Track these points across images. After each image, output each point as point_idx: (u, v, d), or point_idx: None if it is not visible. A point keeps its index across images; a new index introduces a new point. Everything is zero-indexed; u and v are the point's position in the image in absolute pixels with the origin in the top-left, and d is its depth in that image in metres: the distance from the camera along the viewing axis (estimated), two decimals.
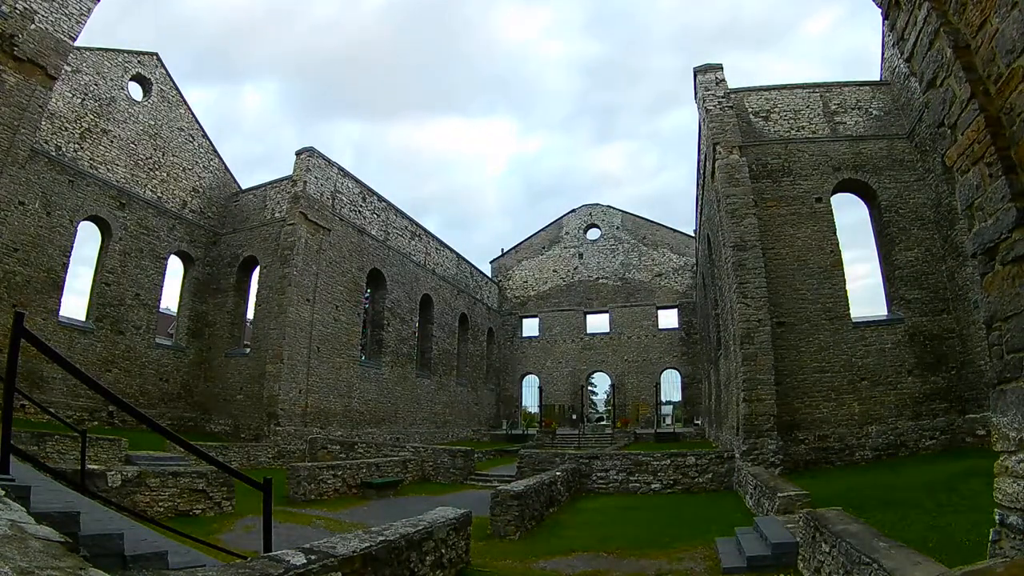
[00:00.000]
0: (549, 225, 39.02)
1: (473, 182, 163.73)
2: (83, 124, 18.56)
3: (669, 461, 13.61)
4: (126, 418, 17.17)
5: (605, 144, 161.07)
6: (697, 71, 16.47)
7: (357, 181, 24.16)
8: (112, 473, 8.96)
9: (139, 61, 20.97)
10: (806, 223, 14.53)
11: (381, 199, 25.92)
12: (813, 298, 13.91)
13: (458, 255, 33.11)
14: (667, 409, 34.32)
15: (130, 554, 3.33)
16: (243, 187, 24.88)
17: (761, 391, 12.83)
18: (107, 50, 19.79)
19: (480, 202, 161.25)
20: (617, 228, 37.13)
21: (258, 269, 22.69)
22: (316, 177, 21.61)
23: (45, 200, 16.90)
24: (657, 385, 33.44)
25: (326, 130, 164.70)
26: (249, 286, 23.50)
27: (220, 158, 24.42)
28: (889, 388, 13.14)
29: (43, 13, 11.26)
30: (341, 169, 23.21)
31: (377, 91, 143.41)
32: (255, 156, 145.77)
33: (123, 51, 20.48)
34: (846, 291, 14.02)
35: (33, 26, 11.02)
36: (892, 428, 12.83)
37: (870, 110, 15.41)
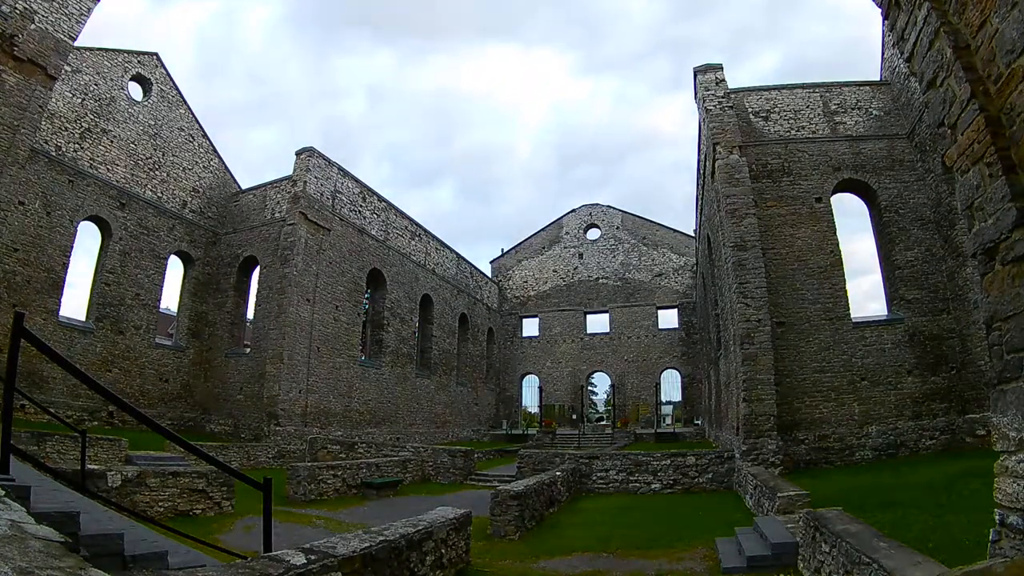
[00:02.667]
0: (549, 225, 39.03)
1: (505, 139, 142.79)
2: (83, 124, 18.56)
3: (669, 461, 13.61)
4: (126, 418, 17.17)
5: (672, 92, 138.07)
6: (697, 71, 16.47)
7: (357, 181, 24.18)
8: (112, 473, 8.96)
9: (139, 61, 20.97)
10: (806, 223, 14.53)
11: (381, 199, 25.93)
12: (813, 298, 13.91)
13: (458, 255, 33.12)
14: (667, 409, 34.31)
15: (130, 554, 3.33)
16: (243, 186, 24.89)
17: (761, 391, 12.83)
18: (107, 50, 19.79)
19: (508, 165, 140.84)
20: (617, 228, 37.13)
21: (258, 269, 22.69)
22: (316, 177, 21.61)
23: (45, 200, 16.90)
24: (657, 385, 33.44)
25: (345, 66, 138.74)
26: (249, 286, 23.51)
27: (220, 158, 24.43)
28: (889, 388, 13.14)
29: (43, 13, 11.25)
30: (341, 169, 23.22)
31: (416, 5, 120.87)
32: (252, 103, 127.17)
33: (123, 51, 20.48)
34: (846, 291, 14.02)
35: (33, 26, 11.01)
36: (892, 428, 12.83)
37: (870, 110, 15.41)
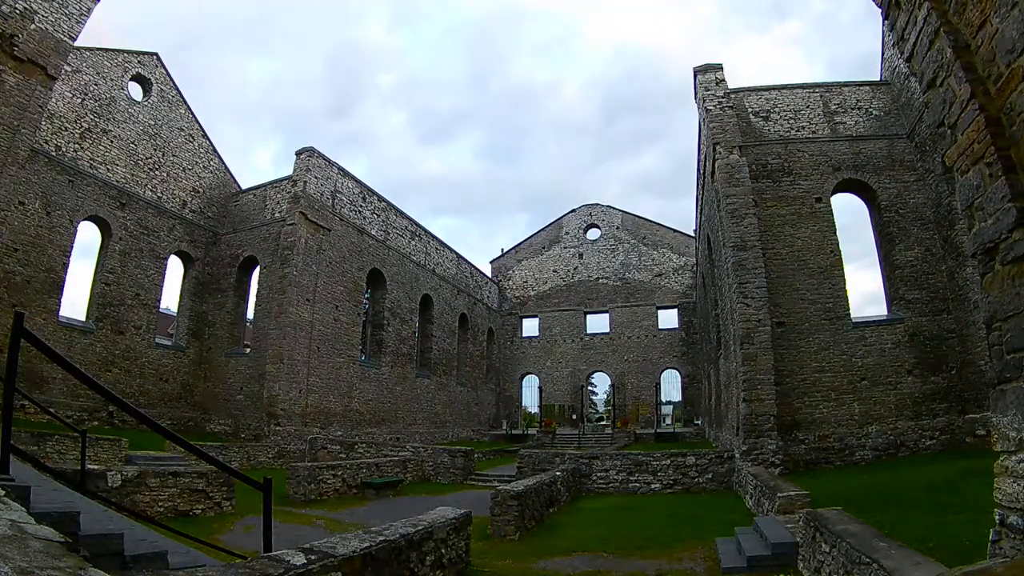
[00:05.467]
0: (549, 225, 39.08)
1: (554, 76, 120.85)
2: (83, 124, 18.56)
3: (669, 461, 13.61)
4: (126, 418, 17.17)
5: (766, 26, 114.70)
6: (697, 71, 16.47)
7: (357, 181, 24.19)
8: (112, 473, 8.96)
9: (139, 61, 20.97)
10: (806, 223, 14.52)
11: (381, 199, 25.94)
12: (813, 298, 13.90)
13: (458, 255, 33.14)
14: (667, 409, 34.33)
15: (130, 554, 3.33)
16: (243, 186, 24.92)
17: (761, 391, 12.83)
18: (107, 50, 19.80)
19: (546, 112, 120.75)
20: (617, 228, 37.14)
21: (258, 269, 22.70)
22: (316, 177, 21.62)
23: (45, 200, 16.90)
24: (657, 385, 33.44)
25: None
26: (249, 286, 23.51)
27: (220, 158, 24.44)
28: (889, 388, 13.14)
29: (43, 13, 11.25)
30: (341, 169, 23.23)
31: None
32: (244, 20, 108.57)
33: (123, 51, 20.49)
34: (846, 291, 14.02)
35: (33, 26, 11.01)
36: (892, 428, 12.83)
37: (870, 110, 15.40)
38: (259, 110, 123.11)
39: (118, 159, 19.77)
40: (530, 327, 37.84)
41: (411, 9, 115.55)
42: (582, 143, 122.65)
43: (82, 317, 18.71)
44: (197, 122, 23.40)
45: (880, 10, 3.47)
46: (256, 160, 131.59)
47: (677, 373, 33.64)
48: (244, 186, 24.98)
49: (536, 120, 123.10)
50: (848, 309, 13.89)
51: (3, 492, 2.57)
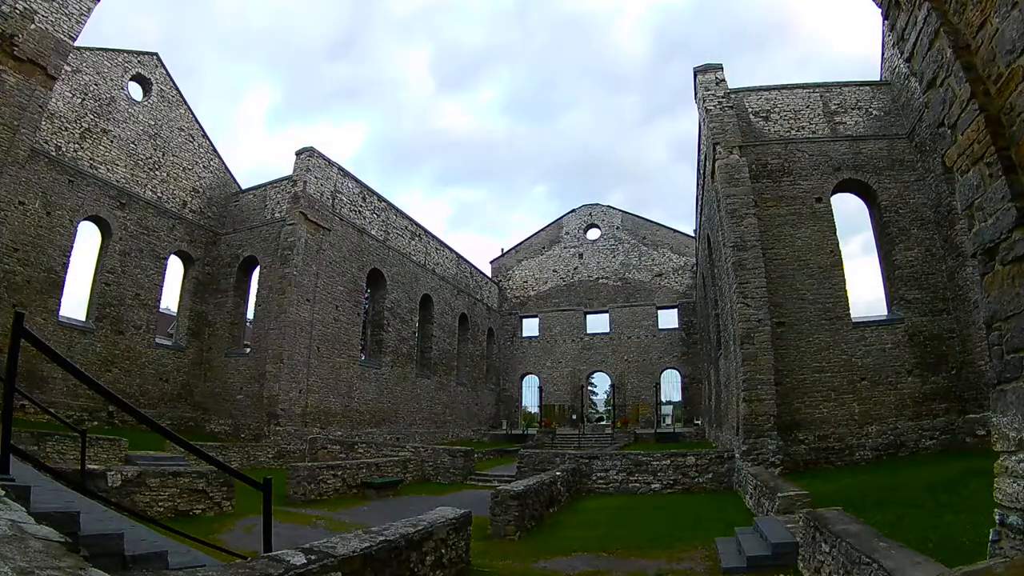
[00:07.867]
0: (549, 225, 39.10)
1: (608, 4, 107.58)
2: (83, 124, 18.56)
3: (669, 461, 13.61)
4: (126, 418, 17.16)
5: None
6: (697, 71, 16.47)
7: (357, 181, 24.18)
8: (112, 473, 8.96)
9: (139, 61, 20.97)
10: (806, 223, 14.52)
11: (381, 199, 25.94)
12: (813, 298, 13.90)
13: (458, 255, 33.14)
14: (667, 409, 34.31)
15: (130, 554, 3.33)
16: (243, 186, 24.91)
17: (761, 391, 12.82)
18: (107, 50, 19.79)
19: (589, 52, 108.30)
20: (617, 228, 37.15)
21: (258, 269, 22.70)
22: (316, 177, 21.62)
23: (45, 200, 16.89)
24: (657, 385, 33.44)
25: None
26: (249, 286, 23.52)
27: (220, 158, 24.44)
28: (889, 388, 13.14)
29: (43, 13, 11.25)
30: (341, 169, 23.23)
31: None
32: None
33: (123, 51, 20.48)
34: (846, 291, 14.02)
35: (33, 26, 11.01)
36: (892, 428, 12.82)
37: (870, 110, 15.40)
38: (254, 42, 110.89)
39: (118, 159, 19.76)
40: (530, 327, 37.85)
41: None
42: (624, 98, 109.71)
43: (82, 317, 18.71)
44: (197, 122, 23.40)
45: (880, 10, 3.47)
46: (248, 109, 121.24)
47: (677, 373, 33.64)
48: (244, 187, 24.98)
49: (576, 62, 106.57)
50: (848, 309, 13.89)
51: (3, 492, 2.57)
